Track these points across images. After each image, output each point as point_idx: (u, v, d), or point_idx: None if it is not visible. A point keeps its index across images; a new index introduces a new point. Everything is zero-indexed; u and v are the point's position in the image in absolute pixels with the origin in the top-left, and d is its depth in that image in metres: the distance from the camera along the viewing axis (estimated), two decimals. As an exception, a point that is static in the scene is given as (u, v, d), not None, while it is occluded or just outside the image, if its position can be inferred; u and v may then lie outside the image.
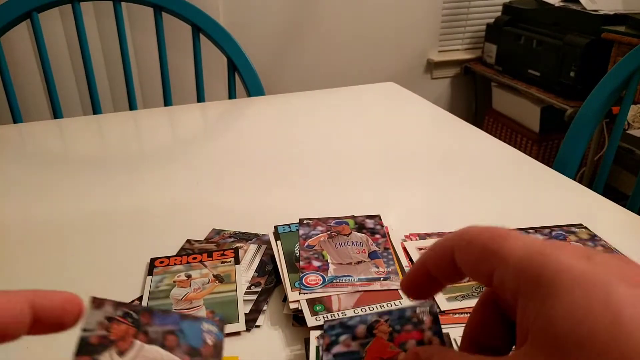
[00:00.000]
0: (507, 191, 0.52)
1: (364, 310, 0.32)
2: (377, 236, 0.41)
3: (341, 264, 0.37)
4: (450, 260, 0.22)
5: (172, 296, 0.36)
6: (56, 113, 0.94)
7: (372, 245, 0.40)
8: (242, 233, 0.44)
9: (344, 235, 0.41)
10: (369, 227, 0.42)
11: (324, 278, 0.35)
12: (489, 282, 0.21)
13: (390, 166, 0.59)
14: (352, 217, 0.43)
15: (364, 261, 0.38)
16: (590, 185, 0.58)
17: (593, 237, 0.41)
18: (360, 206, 0.48)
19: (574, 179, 0.59)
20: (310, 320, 0.31)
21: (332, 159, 0.61)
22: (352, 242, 0.40)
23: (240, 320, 0.33)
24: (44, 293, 0.20)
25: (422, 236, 0.42)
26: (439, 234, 0.43)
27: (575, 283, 0.17)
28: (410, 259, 0.39)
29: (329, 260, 0.37)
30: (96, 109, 0.97)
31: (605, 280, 0.17)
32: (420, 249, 0.40)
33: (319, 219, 0.43)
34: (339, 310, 0.32)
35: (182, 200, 0.49)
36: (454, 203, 0.50)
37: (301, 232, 0.41)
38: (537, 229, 0.43)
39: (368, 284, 0.35)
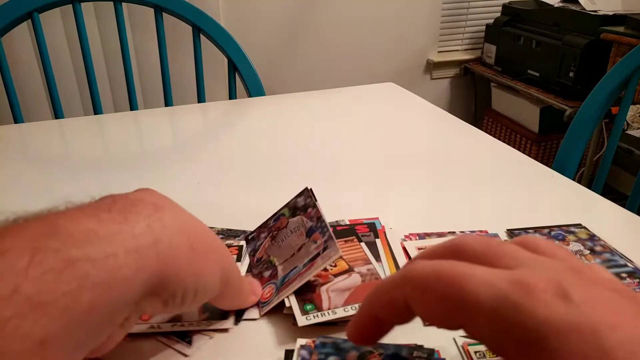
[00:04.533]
0: (506, 191, 0.52)
1: (354, 308, 0.32)
2: (309, 210, 0.37)
3: (287, 259, 0.36)
4: (404, 308, 0.21)
5: None
6: (57, 113, 0.94)
7: (307, 223, 0.37)
8: (230, 230, 0.44)
9: (283, 228, 0.38)
10: (300, 205, 0.38)
11: (275, 284, 0.34)
12: (458, 329, 0.19)
13: (390, 166, 0.59)
14: (286, 205, 0.40)
15: (304, 244, 0.35)
16: (589, 185, 0.59)
17: (592, 237, 0.41)
18: (360, 206, 0.48)
19: (573, 179, 0.59)
20: (301, 320, 0.31)
21: (331, 159, 0.61)
22: (290, 230, 0.37)
23: (229, 317, 0.33)
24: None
25: (422, 236, 0.43)
26: (438, 234, 0.43)
27: (563, 339, 0.17)
28: (410, 259, 0.39)
29: (276, 263, 0.36)
30: (97, 109, 0.97)
31: (592, 328, 0.16)
32: (419, 249, 0.41)
33: (260, 227, 0.40)
34: (329, 309, 0.32)
35: (182, 200, 0.49)
36: (453, 203, 0.50)
37: (248, 249, 0.39)
38: (537, 229, 0.43)
39: (311, 265, 0.33)
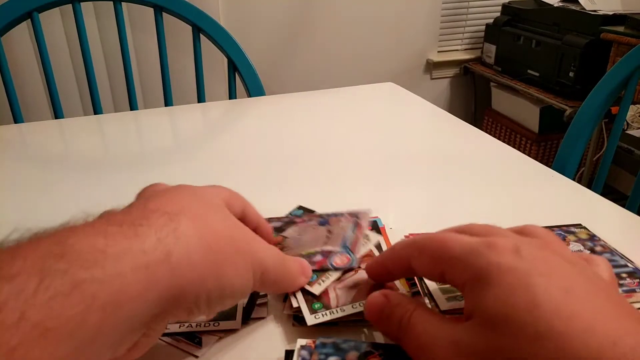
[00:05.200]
0: (506, 191, 0.52)
1: (362, 305, 0.31)
2: (299, 220, 0.41)
3: (326, 242, 0.37)
4: (407, 265, 0.28)
5: None
6: (57, 113, 0.94)
7: (310, 222, 0.40)
8: None
9: (285, 239, 0.39)
10: (280, 225, 0.41)
11: (347, 253, 0.35)
12: (442, 279, 0.26)
13: (390, 166, 0.59)
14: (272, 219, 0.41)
15: (329, 229, 0.38)
16: (589, 185, 0.59)
17: (592, 237, 0.41)
18: (360, 206, 0.48)
19: (573, 179, 0.59)
20: (310, 319, 0.31)
21: (331, 158, 0.61)
22: (297, 234, 0.39)
23: (237, 317, 0.33)
24: None
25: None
26: (438, 234, 0.43)
27: (502, 276, 0.22)
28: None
29: (315, 251, 0.36)
30: (97, 109, 0.97)
31: (526, 272, 0.22)
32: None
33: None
34: (337, 307, 0.32)
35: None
36: (452, 203, 0.50)
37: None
38: (537, 229, 0.43)
39: (360, 227, 0.37)
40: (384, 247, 0.38)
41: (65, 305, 0.19)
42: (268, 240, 0.33)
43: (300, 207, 0.45)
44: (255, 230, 0.33)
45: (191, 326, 0.31)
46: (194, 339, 0.31)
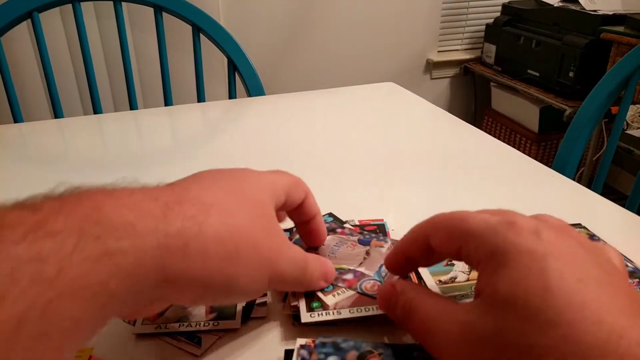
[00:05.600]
0: (506, 191, 0.52)
1: (359, 310, 0.32)
2: (339, 230, 0.41)
3: (361, 263, 0.36)
4: (426, 244, 0.27)
5: None
6: (57, 112, 0.94)
7: (349, 237, 0.39)
8: None
9: (320, 246, 0.39)
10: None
11: (378, 279, 0.34)
12: (459, 256, 0.25)
13: (389, 166, 0.59)
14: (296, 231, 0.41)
15: (368, 250, 0.38)
16: (589, 185, 0.59)
17: (592, 237, 0.41)
18: (360, 206, 0.48)
19: (573, 179, 0.59)
20: (305, 317, 0.31)
21: (331, 158, 0.61)
22: (333, 245, 0.38)
23: (237, 317, 0.32)
24: None
25: (422, 236, 0.43)
26: (438, 234, 0.43)
27: (518, 257, 0.22)
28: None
29: (350, 268, 0.36)
30: (96, 109, 0.97)
31: (543, 255, 0.21)
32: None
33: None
34: (334, 309, 0.32)
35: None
36: (452, 202, 0.50)
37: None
38: (536, 229, 0.43)
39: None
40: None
41: (94, 269, 0.21)
42: (316, 237, 0.36)
43: (330, 214, 0.44)
44: (309, 222, 0.35)
45: (190, 325, 0.31)
46: (194, 338, 0.31)
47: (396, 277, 0.32)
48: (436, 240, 0.26)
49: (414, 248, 0.28)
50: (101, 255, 0.21)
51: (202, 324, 0.32)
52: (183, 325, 0.31)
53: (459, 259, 0.26)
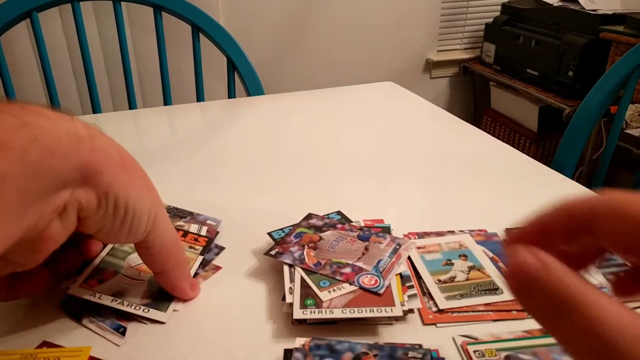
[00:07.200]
0: (505, 190, 0.52)
1: (352, 312, 0.32)
2: (340, 226, 0.41)
3: (360, 257, 0.37)
4: (582, 226, 0.20)
5: (128, 260, 0.37)
6: (56, 112, 0.94)
7: (349, 233, 0.40)
8: (177, 209, 0.45)
9: (319, 241, 0.39)
10: (321, 225, 0.42)
11: (375, 275, 0.35)
12: None
13: (389, 165, 0.59)
14: (298, 225, 0.42)
15: (367, 245, 0.39)
16: (588, 185, 0.59)
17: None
18: (359, 205, 0.48)
19: (572, 178, 0.59)
20: (298, 313, 0.31)
21: (330, 158, 0.61)
22: (333, 240, 0.39)
23: (168, 311, 0.34)
24: None
25: (421, 235, 0.43)
26: (437, 233, 0.43)
27: None
28: (409, 258, 0.39)
29: (348, 262, 0.36)
30: (96, 108, 0.97)
31: None
32: (419, 248, 0.41)
33: (279, 244, 0.39)
34: (328, 308, 0.32)
35: (181, 198, 0.49)
36: (452, 202, 0.50)
37: (287, 259, 0.37)
38: (535, 228, 0.43)
39: (399, 256, 0.37)
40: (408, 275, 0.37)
41: (16, 134, 0.23)
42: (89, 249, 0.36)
43: (338, 212, 0.45)
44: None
45: (122, 304, 0.33)
46: (119, 328, 0.32)
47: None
48: (609, 228, 0.18)
49: (562, 225, 0.21)
50: (21, 125, 0.24)
51: (133, 305, 0.33)
52: (115, 301, 0.33)
53: None
